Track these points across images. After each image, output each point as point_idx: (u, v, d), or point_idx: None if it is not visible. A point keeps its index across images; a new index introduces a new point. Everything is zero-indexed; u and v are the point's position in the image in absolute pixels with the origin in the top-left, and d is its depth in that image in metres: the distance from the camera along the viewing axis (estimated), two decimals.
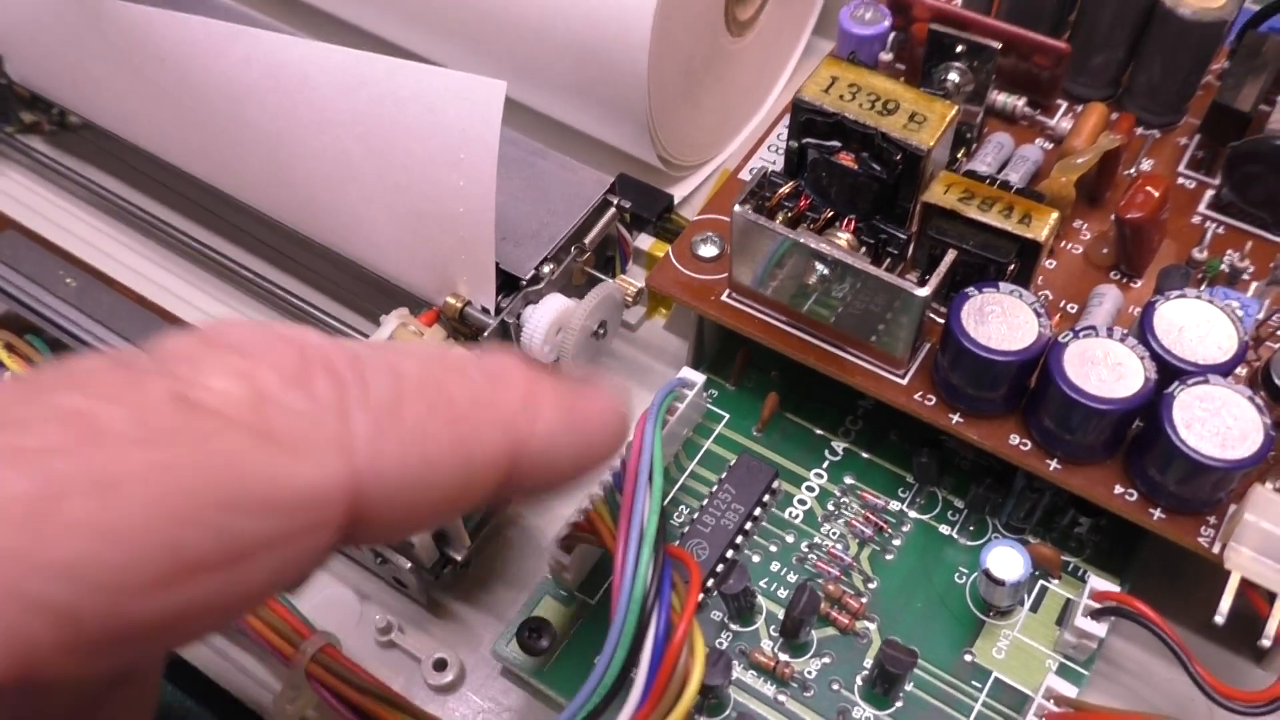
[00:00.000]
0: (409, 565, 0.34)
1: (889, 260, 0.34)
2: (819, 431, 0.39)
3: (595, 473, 0.21)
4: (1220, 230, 0.38)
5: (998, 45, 0.37)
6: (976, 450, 0.34)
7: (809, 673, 0.33)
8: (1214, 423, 0.30)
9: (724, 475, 0.37)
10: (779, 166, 0.36)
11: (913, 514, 0.37)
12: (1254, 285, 0.36)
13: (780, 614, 0.34)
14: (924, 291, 0.32)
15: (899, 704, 0.33)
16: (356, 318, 0.41)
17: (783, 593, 0.35)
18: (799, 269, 0.34)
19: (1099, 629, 0.31)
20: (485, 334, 0.35)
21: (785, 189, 0.35)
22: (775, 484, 0.37)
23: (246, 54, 0.35)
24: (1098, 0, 0.38)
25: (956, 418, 0.34)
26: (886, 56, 0.41)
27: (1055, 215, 0.33)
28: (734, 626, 0.34)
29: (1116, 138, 0.37)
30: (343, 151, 0.35)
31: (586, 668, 0.33)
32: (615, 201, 0.39)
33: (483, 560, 0.37)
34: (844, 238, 0.34)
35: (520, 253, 0.36)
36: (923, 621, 0.34)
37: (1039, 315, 0.32)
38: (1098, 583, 0.32)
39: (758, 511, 0.36)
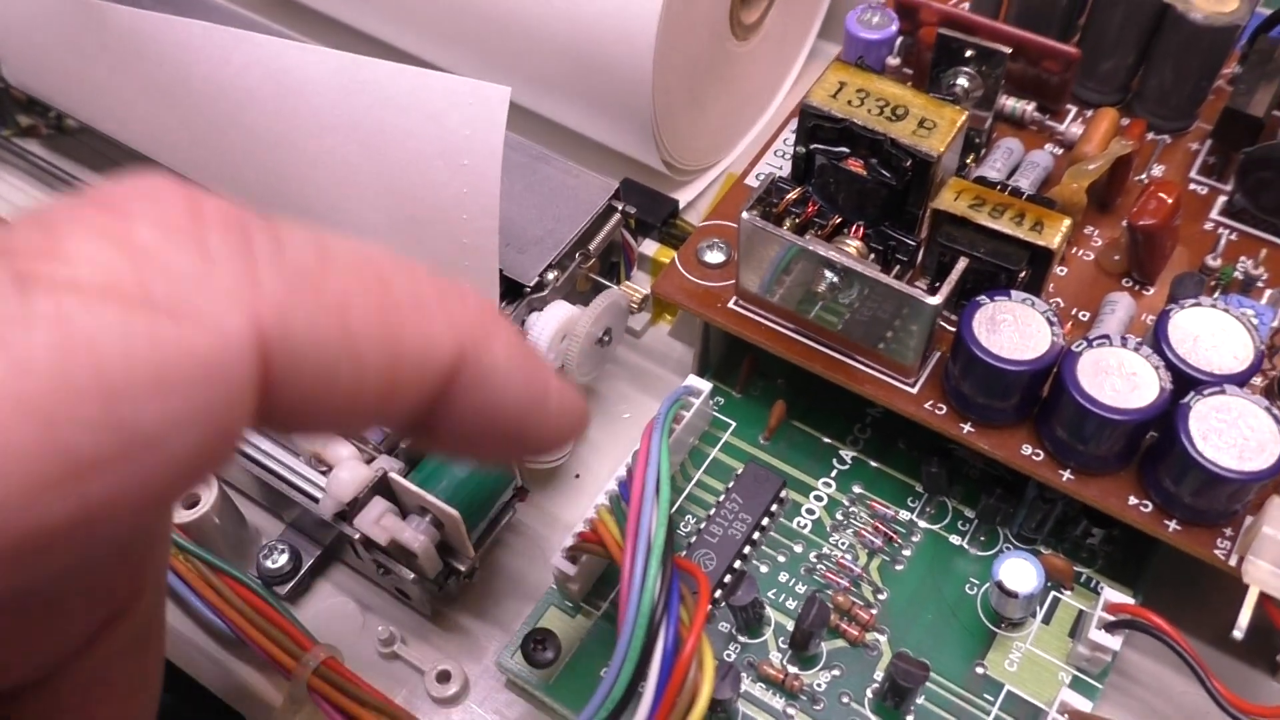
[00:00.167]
0: (412, 576, 0.33)
1: (898, 267, 0.34)
2: (827, 440, 0.38)
3: (537, 448, 0.19)
4: (1233, 237, 0.37)
5: (1007, 50, 0.36)
6: (986, 459, 0.34)
7: (818, 685, 0.33)
8: (1231, 434, 0.29)
9: (731, 484, 0.36)
10: (785, 172, 0.35)
11: (923, 524, 0.36)
12: (1268, 293, 0.36)
13: (789, 625, 0.34)
14: (936, 300, 0.31)
15: (910, 717, 0.32)
16: None
17: (791, 604, 0.35)
18: (807, 276, 0.33)
19: (1113, 642, 0.31)
20: None
21: (792, 195, 0.34)
22: (783, 493, 0.36)
23: (246, 58, 0.35)
24: (1108, 4, 0.38)
25: (968, 427, 0.33)
26: (894, 61, 0.41)
27: (1067, 222, 0.32)
28: (742, 638, 0.34)
29: (1128, 143, 0.36)
30: (343, 157, 0.34)
31: (592, 680, 0.33)
32: (620, 207, 0.38)
33: (487, 571, 0.36)
34: (853, 244, 0.33)
35: (524, 259, 0.36)
36: (933, 633, 0.34)
37: (1051, 324, 0.32)
38: (1112, 595, 0.32)
39: (765, 521, 0.36)
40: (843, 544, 0.36)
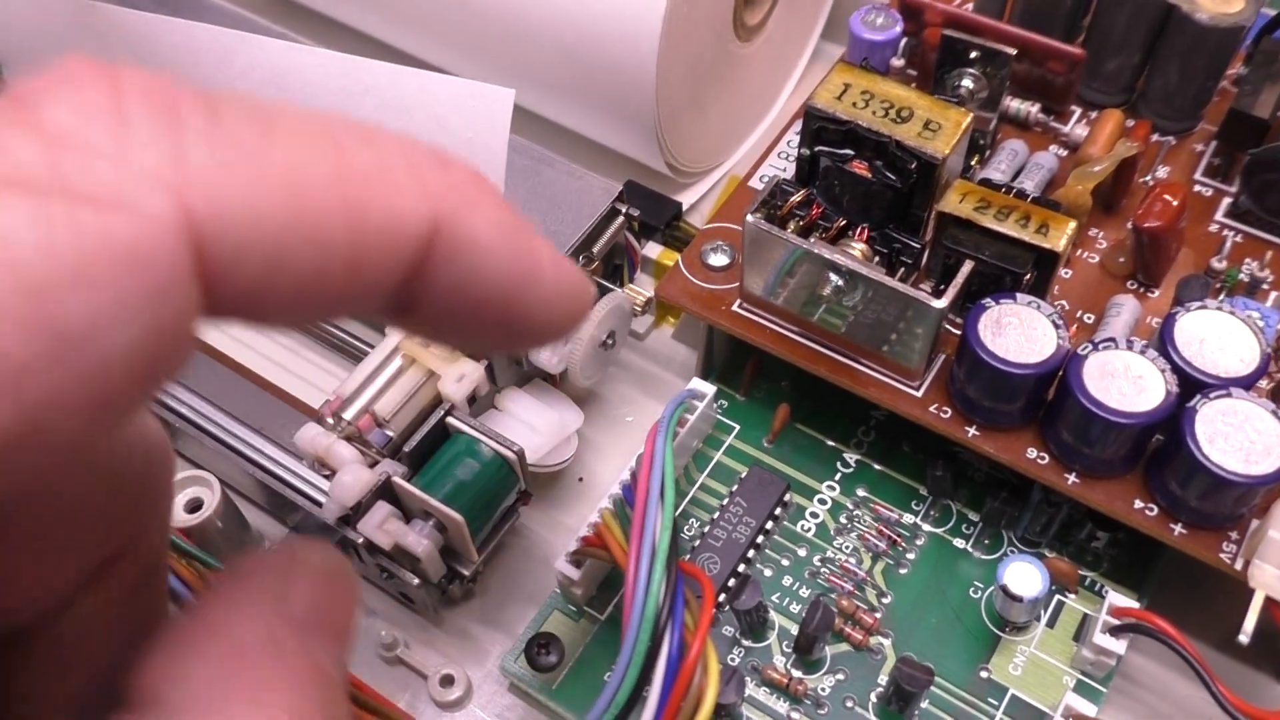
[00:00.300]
0: (415, 580, 0.33)
1: (903, 270, 0.34)
2: (831, 443, 0.38)
3: (534, 330, 0.17)
4: (1239, 239, 0.37)
5: (1012, 51, 0.36)
6: (991, 462, 0.34)
7: (823, 690, 0.33)
8: (1237, 437, 0.29)
9: (735, 488, 0.36)
10: (789, 174, 0.35)
11: (927, 527, 0.36)
12: (1274, 295, 0.36)
13: (793, 629, 0.34)
14: (941, 303, 0.31)
15: None
16: (362, 327, 0.41)
17: (795, 608, 0.34)
18: (812, 279, 0.33)
19: (1118, 646, 0.31)
20: None
21: (797, 197, 0.34)
22: (787, 496, 0.36)
23: (248, 60, 0.35)
24: (1112, 4, 0.38)
25: (973, 430, 0.33)
26: (898, 62, 0.41)
27: (1073, 225, 0.32)
28: (746, 642, 0.34)
29: (1134, 145, 0.36)
30: None
31: (596, 685, 0.33)
32: (623, 210, 0.38)
33: (490, 574, 0.36)
34: (858, 247, 0.33)
35: None
36: (938, 637, 0.34)
37: (1057, 327, 0.31)
38: (1116, 598, 0.31)
39: (769, 525, 0.36)
40: (847, 547, 0.36)
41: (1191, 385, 0.30)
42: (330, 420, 0.33)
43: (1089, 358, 0.31)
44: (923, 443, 0.37)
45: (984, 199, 0.33)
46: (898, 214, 0.34)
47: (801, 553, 0.36)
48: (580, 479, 0.39)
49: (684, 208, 0.43)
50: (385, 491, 0.32)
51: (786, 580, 0.35)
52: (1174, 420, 0.30)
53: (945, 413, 0.34)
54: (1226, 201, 0.38)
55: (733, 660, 0.34)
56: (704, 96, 0.43)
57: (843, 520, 0.36)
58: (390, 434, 0.33)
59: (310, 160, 0.13)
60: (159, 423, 0.18)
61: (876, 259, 0.34)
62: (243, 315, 0.14)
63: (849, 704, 0.33)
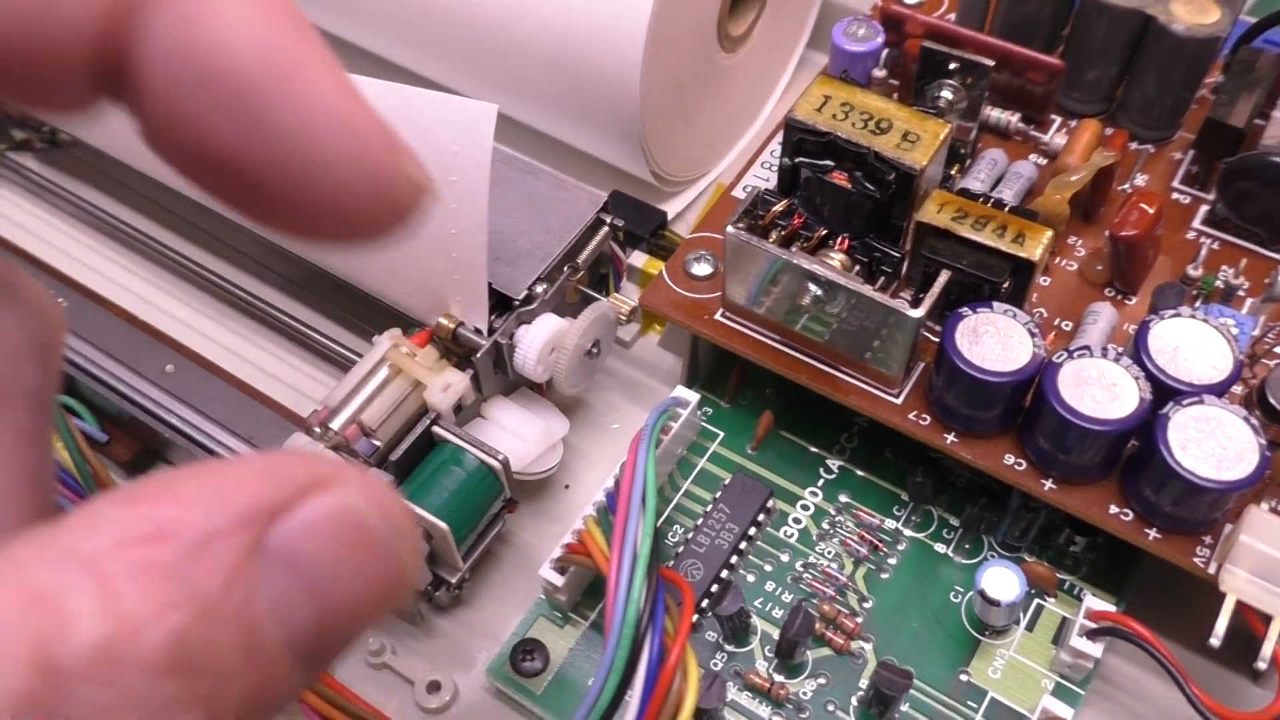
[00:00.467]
0: None
1: (883, 279, 0.34)
2: (814, 449, 0.38)
3: (298, 189, 0.14)
4: (1215, 246, 0.37)
5: (991, 63, 0.37)
6: (972, 468, 0.34)
7: (804, 694, 0.33)
8: (1209, 443, 0.30)
9: (718, 494, 0.37)
10: (772, 184, 0.36)
11: (908, 532, 0.36)
12: (1249, 302, 0.36)
13: (776, 634, 0.34)
14: (917, 312, 0.32)
15: None
16: (350, 336, 0.41)
17: (778, 613, 0.35)
18: (792, 288, 0.34)
19: (1095, 649, 0.31)
20: (478, 354, 0.35)
21: (778, 208, 0.35)
22: (770, 503, 0.37)
23: None
24: (1091, 16, 0.38)
25: (951, 437, 0.33)
26: (880, 73, 0.41)
27: (1049, 234, 0.33)
28: (729, 648, 0.34)
29: (1110, 154, 0.36)
30: None
31: (581, 690, 0.33)
32: (608, 220, 0.38)
33: (476, 581, 0.37)
34: (837, 257, 0.34)
35: (513, 272, 0.36)
36: (918, 641, 0.34)
37: (1033, 335, 0.32)
38: (1093, 602, 0.32)
39: (752, 531, 0.36)
40: (829, 553, 0.36)
41: (1165, 392, 0.31)
42: (318, 430, 0.33)
43: (1064, 365, 0.31)
44: (904, 450, 0.37)
45: (962, 209, 0.33)
46: (877, 224, 0.34)
47: (784, 558, 0.36)
48: (567, 486, 0.39)
49: (670, 217, 0.44)
50: None
51: (769, 586, 0.35)
52: (1147, 427, 0.30)
53: (924, 420, 0.34)
54: (1204, 209, 0.39)
55: (715, 665, 0.34)
56: (689, 107, 0.44)
57: (825, 526, 0.37)
58: (377, 443, 0.34)
59: None
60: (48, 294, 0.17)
61: (856, 269, 0.34)
62: None
63: (830, 708, 0.33)
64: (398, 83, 0.33)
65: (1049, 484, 0.32)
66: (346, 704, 0.31)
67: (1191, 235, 0.38)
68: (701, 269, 0.38)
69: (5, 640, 0.10)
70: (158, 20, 0.12)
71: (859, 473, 0.38)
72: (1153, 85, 0.39)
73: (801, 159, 0.34)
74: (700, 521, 0.36)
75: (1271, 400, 0.31)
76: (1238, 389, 0.33)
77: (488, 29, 0.41)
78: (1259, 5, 0.43)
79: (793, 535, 0.36)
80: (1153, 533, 0.31)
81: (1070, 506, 0.32)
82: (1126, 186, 0.39)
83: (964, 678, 0.33)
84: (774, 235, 0.34)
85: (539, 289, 0.36)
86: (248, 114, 0.13)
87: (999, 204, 0.34)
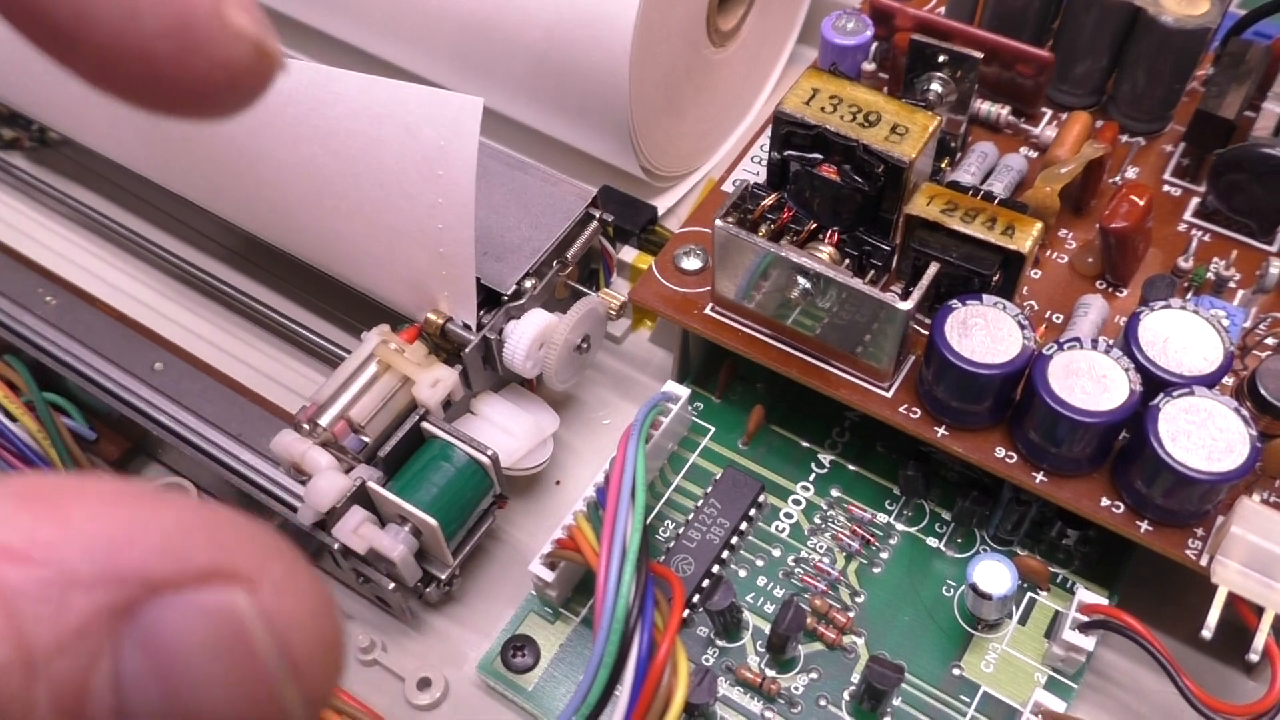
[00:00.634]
0: (391, 584, 0.33)
1: (873, 272, 0.34)
2: (805, 444, 0.38)
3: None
4: (1206, 238, 0.37)
5: (979, 55, 0.37)
6: (963, 462, 0.34)
7: (796, 689, 0.33)
8: (1200, 435, 0.30)
9: (709, 489, 0.36)
10: (762, 178, 0.36)
11: (900, 526, 0.36)
12: (1240, 294, 0.36)
13: (767, 629, 0.34)
14: (906, 305, 0.31)
15: (887, 719, 0.32)
16: (338, 333, 0.41)
17: (769, 608, 0.35)
18: (782, 282, 0.34)
19: (1087, 642, 0.31)
20: (467, 350, 0.35)
21: (768, 201, 0.34)
22: (761, 497, 0.37)
23: None
24: (1080, 8, 0.38)
25: (942, 430, 0.33)
26: (869, 66, 0.41)
27: (1039, 226, 0.33)
28: (720, 643, 0.34)
29: (1100, 146, 0.36)
30: (319, 168, 0.34)
31: (571, 686, 0.33)
32: (597, 215, 0.38)
33: (467, 578, 0.37)
34: (826, 251, 0.34)
35: (502, 267, 0.36)
36: (910, 635, 0.34)
37: (1023, 327, 0.32)
38: (1085, 596, 0.32)
39: (744, 526, 0.36)
40: (821, 547, 0.36)
41: (1155, 384, 0.31)
42: (306, 426, 0.33)
43: (1054, 357, 0.31)
44: (896, 444, 0.37)
45: (951, 201, 0.33)
46: (867, 217, 0.34)
47: (776, 553, 0.36)
48: (558, 482, 0.39)
49: (661, 212, 0.44)
50: (360, 496, 0.33)
51: (761, 580, 0.35)
52: (1138, 419, 0.30)
53: (915, 413, 0.34)
54: (1195, 202, 0.38)
55: (707, 660, 0.34)
56: (679, 101, 0.44)
57: (817, 520, 0.36)
58: (366, 439, 0.34)
59: None
60: None
61: (846, 262, 0.34)
62: None
63: (822, 702, 0.33)
64: (383, 77, 0.33)
65: (1040, 477, 0.32)
66: (336, 701, 0.31)
67: (1182, 227, 0.38)
68: (691, 263, 0.38)
69: None
70: None
71: (850, 467, 0.38)
72: (1143, 78, 0.39)
73: (790, 152, 0.34)
74: (691, 516, 0.36)
75: (1262, 391, 0.31)
76: (1228, 380, 0.33)
77: (477, 25, 0.41)
78: None
79: (784, 530, 0.36)
80: (1144, 525, 0.31)
81: (1061, 499, 0.32)
82: (1117, 179, 0.39)
83: (956, 671, 0.33)
84: (763, 229, 0.34)
85: (528, 284, 0.36)
86: None
87: (989, 196, 0.34)
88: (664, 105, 0.43)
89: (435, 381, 0.34)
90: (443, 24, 0.42)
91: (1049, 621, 0.34)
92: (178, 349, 0.39)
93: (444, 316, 0.35)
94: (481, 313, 0.35)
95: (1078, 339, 0.32)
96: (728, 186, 0.41)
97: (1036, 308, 0.36)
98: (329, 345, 0.39)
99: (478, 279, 0.35)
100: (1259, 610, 0.30)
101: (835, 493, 0.37)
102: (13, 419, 0.36)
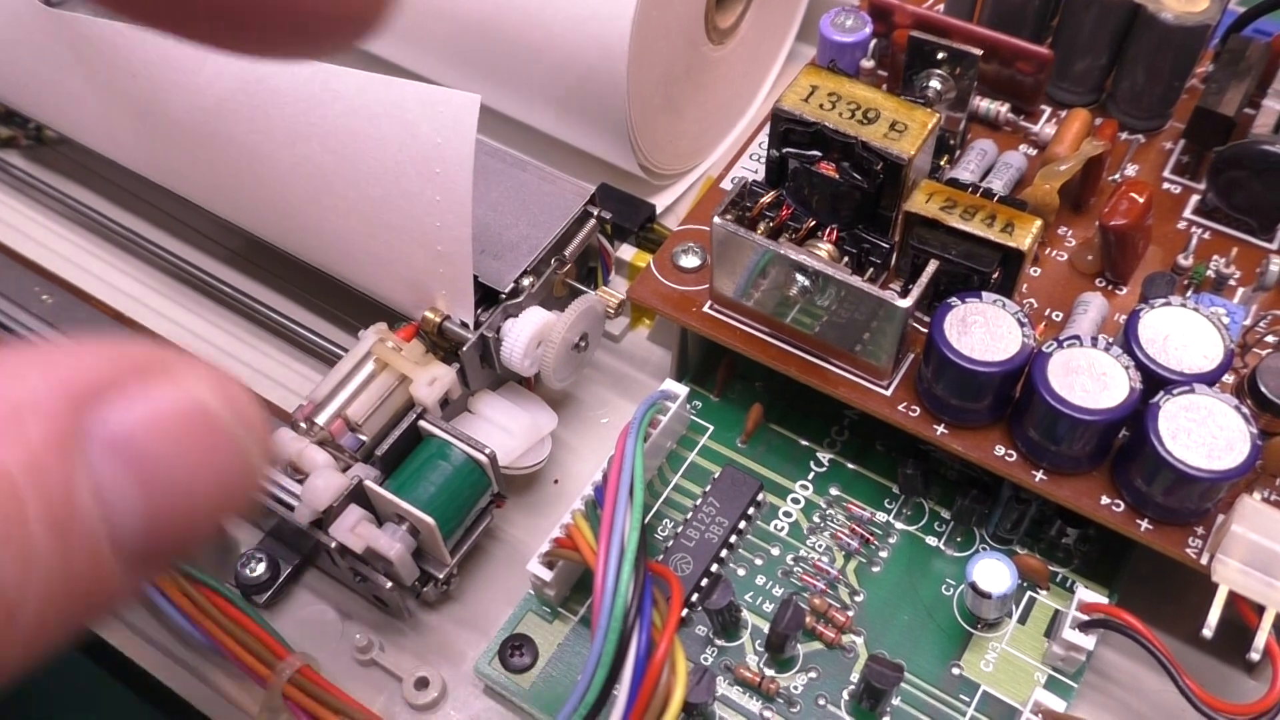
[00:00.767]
0: (389, 583, 0.33)
1: (872, 270, 0.34)
2: (804, 443, 0.38)
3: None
4: (1206, 236, 0.37)
5: (978, 52, 0.36)
6: (963, 461, 0.34)
7: (795, 688, 0.33)
8: (1200, 433, 0.29)
9: (708, 488, 0.36)
10: (761, 176, 0.35)
11: (899, 525, 0.36)
12: (1240, 291, 0.36)
13: (766, 628, 0.34)
14: (905, 302, 0.31)
15: (886, 719, 0.32)
16: (335, 331, 0.41)
17: (768, 607, 0.35)
18: (780, 280, 0.34)
19: (1087, 641, 0.31)
20: (464, 348, 0.35)
21: (766, 199, 0.34)
22: (760, 496, 0.36)
23: (217, 67, 0.35)
24: (1080, 5, 0.38)
25: (941, 429, 0.33)
26: (868, 64, 0.41)
27: (1038, 223, 0.32)
28: (719, 642, 0.34)
29: (1100, 144, 0.36)
30: (316, 166, 0.34)
31: (570, 685, 0.33)
32: (595, 212, 0.38)
33: (464, 577, 0.36)
34: (825, 248, 0.34)
35: (499, 265, 0.36)
36: (910, 634, 0.34)
37: (1022, 325, 0.32)
38: (1085, 594, 0.32)
39: (742, 525, 0.36)
40: (820, 546, 0.36)
41: (1155, 382, 0.31)
42: (303, 425, 0.33)
43: (1053, 355, 0.31)
44: (895, 442, 0.37)
45: (950, 199, 0.33)
46: (866, 214, 0.34)
47: (775, 552, 0.36)
48: (556, 481, 0.39)
49: (659, 210, 0.44)
50: (357, 495, 0.33)
51: (760, 580, 0.35)
52: (1138, 416, 0.30)
53: (914, 411, 0.34)
54: (1195, 199, 0.38)
55: (706, 660, 0.34)
56: (678, 99, 0.44)
57: (816, 519, 0.36)
58: (363, 438, 0.34)
59: None
60: None
61: (845, 260, 0.34)
62: None
63: (821, 702, 0.33)
64: (381, 75, 0.33)
65: (1040, 475, 0.32)
66: (334, 701, 0.31)
67: (1182, 225, 0.38)
68: (689, 261, 0.38)
69: None
70: None
71: (849, 466, 0.38)
72: (1142, 75, 0.39)
73: (789, 149, 0.34)
74: (690, 515, 0.36)
75: (1263, 389, 0.31)
76: (1229, 378, 0.33)
77: (476, 23, 0.41)
78: None
79: (783, 529, 0.36)
80: (1144, 524, 0.31)
81: (1061, 498, 0.32)
82: (1117, 177, 0.39)
83: (956, 671, 0.33)
84: (762, 227, 0.34)
85: (526, 282, 0.36)
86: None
87: (988, 194, 0.34)
88: (662, 103, 0.43)
89: (433, 380, 0.34)
90: (441, 22, 0.42)
91: (1049, 620, 0.34)
92: (175, 347, 0.39)
93: (441, 314, 0.35)
94: (479, 311, 0.35)
95: (1077, 337, 0.31)
96: (726, 184, 0.41)
97: (1036, 305, 0.36)
98: (326, 343, 0.39)
99: (475, 277, 0.34)
100: (1260, 609, 0.30)
101: (834, 491, 0.37)
102: None
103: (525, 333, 0.35)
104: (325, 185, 0.35)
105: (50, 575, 0.11)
